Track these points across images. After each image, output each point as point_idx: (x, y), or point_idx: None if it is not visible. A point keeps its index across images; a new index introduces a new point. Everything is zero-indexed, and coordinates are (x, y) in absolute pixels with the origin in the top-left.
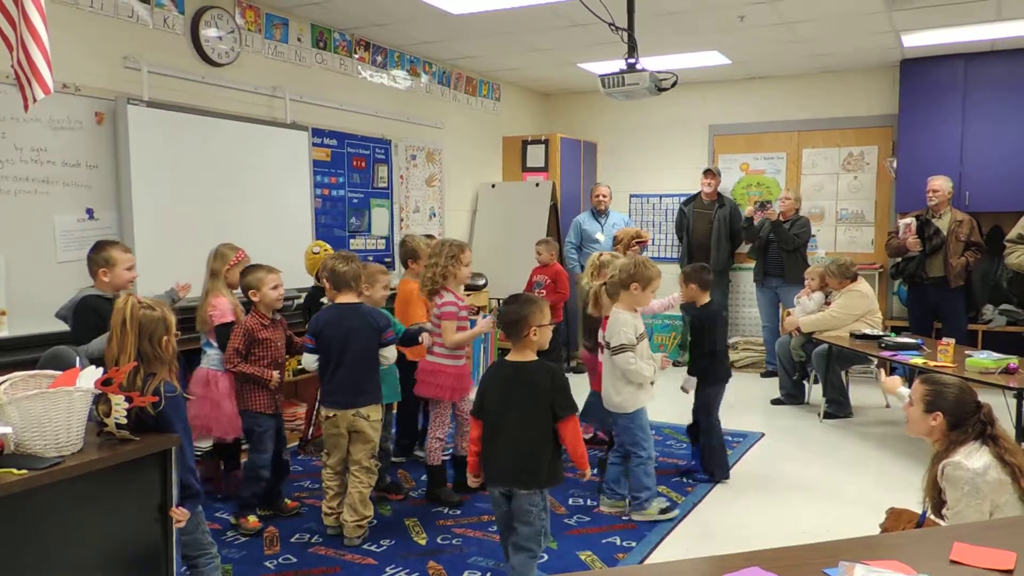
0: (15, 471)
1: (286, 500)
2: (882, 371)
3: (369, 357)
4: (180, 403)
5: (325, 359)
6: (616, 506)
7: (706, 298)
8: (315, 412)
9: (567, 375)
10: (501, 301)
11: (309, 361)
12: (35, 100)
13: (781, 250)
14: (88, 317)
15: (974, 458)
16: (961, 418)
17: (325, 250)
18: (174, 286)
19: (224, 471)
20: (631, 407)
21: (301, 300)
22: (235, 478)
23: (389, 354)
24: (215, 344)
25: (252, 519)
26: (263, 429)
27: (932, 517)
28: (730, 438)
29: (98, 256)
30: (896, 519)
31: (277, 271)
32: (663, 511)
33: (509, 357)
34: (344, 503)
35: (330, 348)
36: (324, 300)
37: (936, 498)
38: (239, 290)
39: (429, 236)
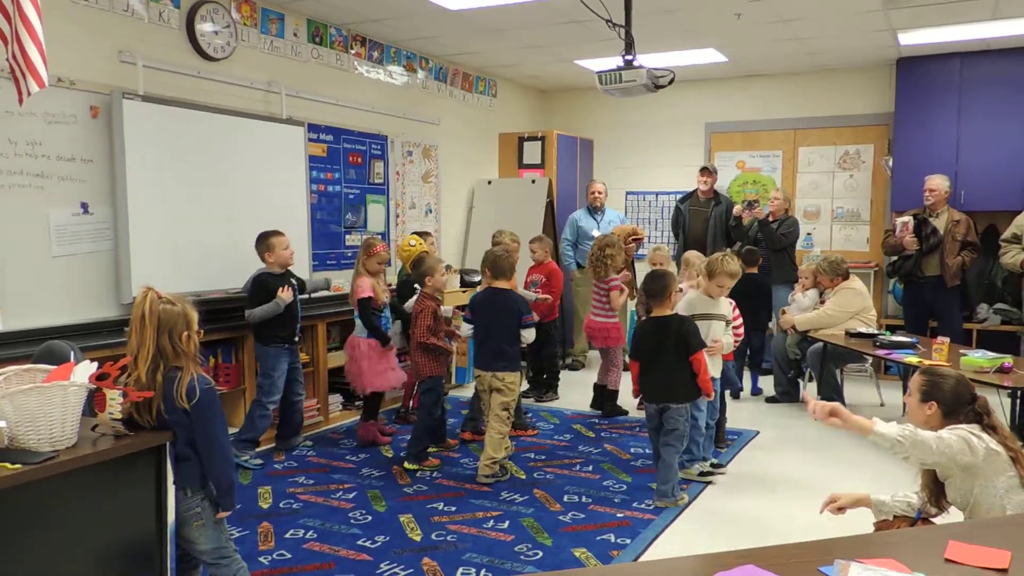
0: (9, 466)
1: (448, 439)
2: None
3: (510, 332)
4: (215, 396)
5: (477, 330)
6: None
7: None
8: (415, 388)
9: (563, 371)
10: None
11: (465, 329)
12: (29, 94)
13: (768, 249)
14: (259, 290)
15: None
16: (955, 408)
17: (420, 244)
18: (328, 277)
19: (362, 420)
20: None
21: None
22: (370, 428)
23: (528, 335)
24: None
25: (432, 459)
26: (441, 389)
27: (927, 514)
28: (725, 436)
29: (262, 244)
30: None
31: (442, 259)
32: (701, 474)
33: (653, 314)
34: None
35: (480, 322)
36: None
37: (934, 492)
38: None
39: (425, 233)
